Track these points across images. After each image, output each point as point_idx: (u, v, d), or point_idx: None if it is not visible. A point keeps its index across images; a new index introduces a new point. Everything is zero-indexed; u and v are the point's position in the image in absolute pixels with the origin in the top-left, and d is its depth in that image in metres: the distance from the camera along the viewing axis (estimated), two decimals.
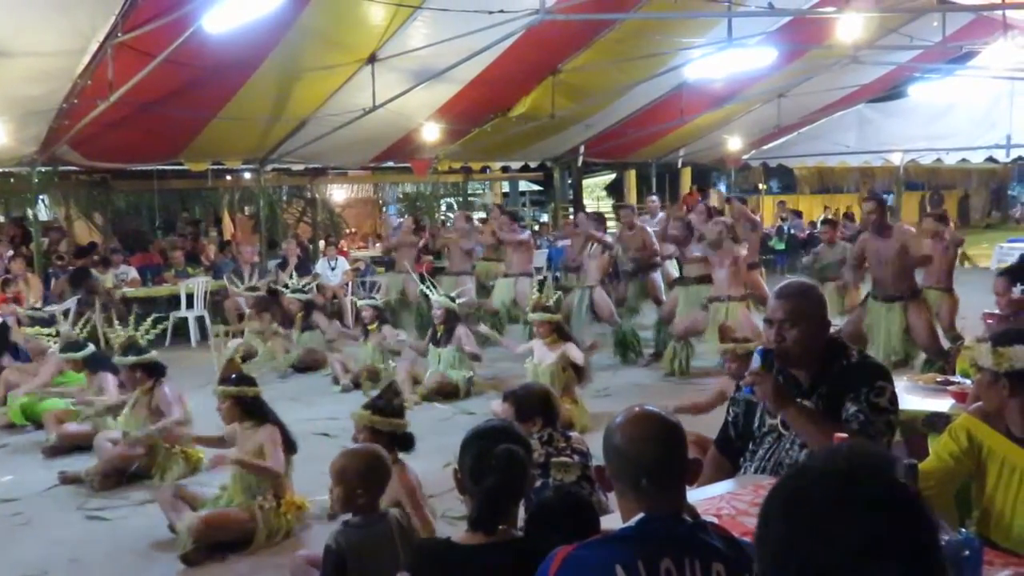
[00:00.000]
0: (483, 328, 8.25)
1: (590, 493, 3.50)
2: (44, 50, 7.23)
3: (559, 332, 6.64)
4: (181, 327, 10.50)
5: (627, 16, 9.44)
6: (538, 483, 3.44)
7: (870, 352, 4.61)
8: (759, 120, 14.95)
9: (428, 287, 8.05)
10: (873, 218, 6.92)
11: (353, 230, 18.46)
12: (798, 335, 2.75)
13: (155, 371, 5.62)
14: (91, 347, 6.37)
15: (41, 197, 14.00)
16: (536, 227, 18.17)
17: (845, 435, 2.40)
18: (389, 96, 9.60)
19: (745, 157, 16.99)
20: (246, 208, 17.64)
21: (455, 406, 7.07)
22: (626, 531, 1.81)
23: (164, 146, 10.68)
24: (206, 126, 9.96)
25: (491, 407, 5.87)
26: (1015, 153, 14.40)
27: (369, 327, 8.10)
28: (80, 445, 5.96)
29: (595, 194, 25.26)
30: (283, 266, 11.42)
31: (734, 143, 15.67)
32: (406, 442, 3.83)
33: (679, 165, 18.25)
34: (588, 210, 12.59)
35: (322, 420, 6.50)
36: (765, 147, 16.81)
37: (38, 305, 8.22)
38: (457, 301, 7.84)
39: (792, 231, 17.13)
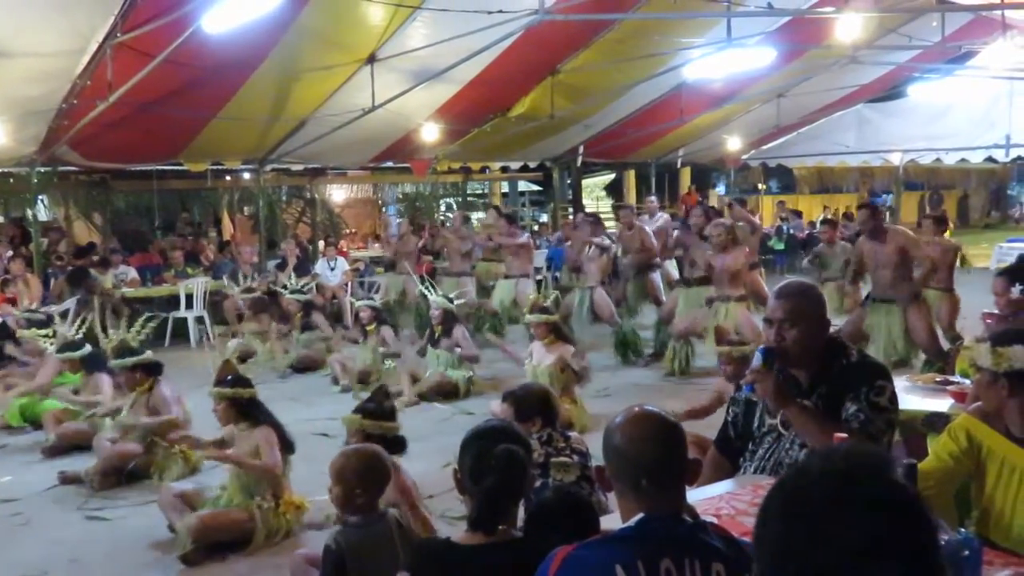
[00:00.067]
0: (491, 336, 8.20)
1: (590, 493, 3.50)
2: (43, 50, 7.23)
3: (556, 333, 6.64)
4: (180, 327, 10.50)
5: (626, 16, 9.44)
6: (538, 483, 3.44)
7: (870, 352, 4.62)
8: (758, 120, 14.96)
9: (427, 288, 8.05)
10: (868, 226, 6.97)
11: (352, 230, 18.45)
12: (798, 335, 2.75)
13: (153, 370, 5.62)
14: (88, 347, 6.37)
15: (40, 197, 14.00)
16: (536, 227, 18.17)
17: (845, 435, 2.40)
18: (388, 96, 9.60)
19: (744, 157, 17.00)
20: (245, 208, 17.65)
21: (454, 406, 7.07)
22: (626, 531, 1.81)
23: (163, 146, 10.68)
24: (205, 126, 9.96)
25: (490, 407, 5.86)
26: (1014, 153, 14.40)
27: (367, 328, 8.10)
28: (79, 445, 5.96)
29: (594, 194, 25.27)
30: (282, 266, 11.42)
31: (733, 143, 15.67)
32: (398, 445, 3.82)
33: (678, 165, 18.26)
34: (587, 211, 12.59)
35: (321, 420, 6.49)
36: (764, 147, 16.81)
37: (34, 306, 8.20)
38: (455, 302, 7.84)
39: (791, 231, 17.14)
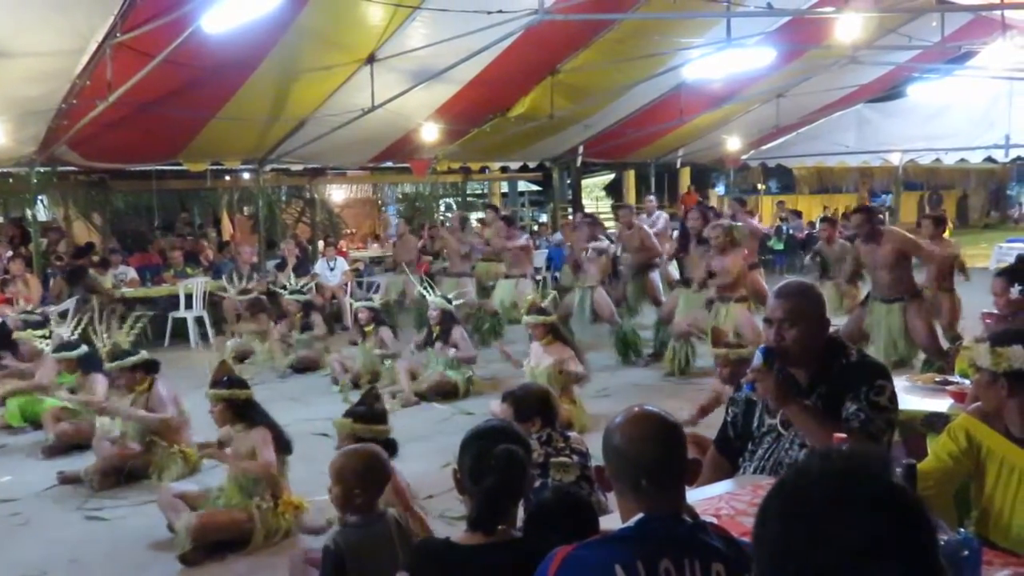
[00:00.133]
0: (501, 349, 8.09)
1: (589, 493, 3.50)
2: (43, 50, 7.23)
3: (554, 333, 6.64)
4: (180, 327, 10.50)
5: (626, 16, 9.44)
6: (537, 483, 3.44)
7: (870, 352, 4.61)
8: (758, 120, 14.96)
9: (426, 288, 8.04)
10: (863, 230, 6.97)
11: (352, 230, 18.44)
12: (797, 334, 2.75)
13: (152, 368, 5.63)
14: (84, 347, 6.36)
15: (40, 197, 13.99)
16: (535, 228, 18.17)
17: (845, 435, 2.40)
18: (388, 96, 9.60)
19: (744, 157, 17.00)
20: (245, 208, 17.64)
21: (454, 406, 7.07)
22: (625, 531, 1.81)
23: (163, 146, 10.67)
24: (205, 126, 9.96)
25: (490, 407, 5.87)
26: (1014, 153, 14.40)
27: (365, 328, 8.09)
28: (79, 444, 5.97)
29: (594, 194, 25.26)
30: (282, 266, 11.42)
31: (733, 143, 15.67)
32: (389, 448, 3.80)
33: (678, 165, 18.26)
34: (585, 212, 12.58)
35: (321, 420, 6.46)
36: (764, 147, 16.82)
37: (30, 307, 8.19)
38: (454, 303, 7.83)
39: (791, 231, 17.14)
